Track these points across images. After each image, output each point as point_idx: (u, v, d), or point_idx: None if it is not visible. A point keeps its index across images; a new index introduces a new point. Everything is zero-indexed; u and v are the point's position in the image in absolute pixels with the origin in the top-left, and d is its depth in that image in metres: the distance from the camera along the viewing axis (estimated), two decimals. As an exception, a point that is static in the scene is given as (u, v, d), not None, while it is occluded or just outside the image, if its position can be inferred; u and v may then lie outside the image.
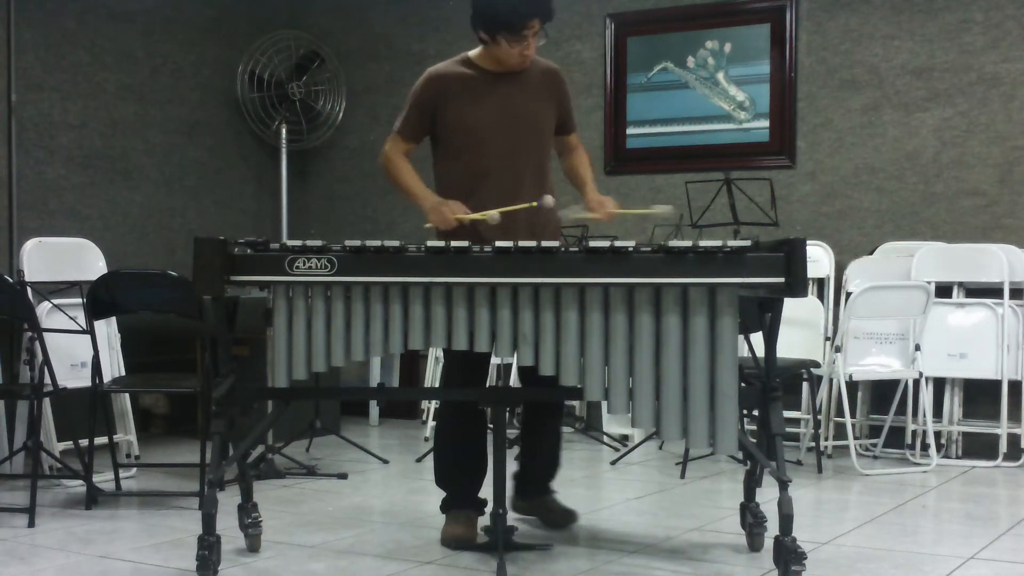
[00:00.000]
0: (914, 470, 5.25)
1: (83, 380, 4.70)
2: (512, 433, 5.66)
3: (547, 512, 4.09)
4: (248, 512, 3.73)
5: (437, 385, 6.28)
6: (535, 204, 3.70)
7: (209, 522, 3.33)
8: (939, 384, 5.59)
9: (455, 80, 3.81)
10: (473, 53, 3.86)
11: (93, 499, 4.42)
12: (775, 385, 3.44)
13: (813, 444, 5.37)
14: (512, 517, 4.01)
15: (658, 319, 3.19)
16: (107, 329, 5.13)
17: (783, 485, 3.30)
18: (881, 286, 5.17)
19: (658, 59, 6.44)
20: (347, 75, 7.07)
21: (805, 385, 5.63)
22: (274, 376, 3.33)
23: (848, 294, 5.40)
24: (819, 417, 5.48)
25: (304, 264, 3.24)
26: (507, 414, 3.56)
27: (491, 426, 3.59)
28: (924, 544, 3.91)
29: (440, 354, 6.28)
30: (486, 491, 3.74)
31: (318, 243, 3.26)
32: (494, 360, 5.65)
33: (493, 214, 3.64)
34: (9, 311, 4.44)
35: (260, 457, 5.05)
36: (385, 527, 4.12)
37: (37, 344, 4.36)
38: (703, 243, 3.16)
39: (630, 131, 6.47)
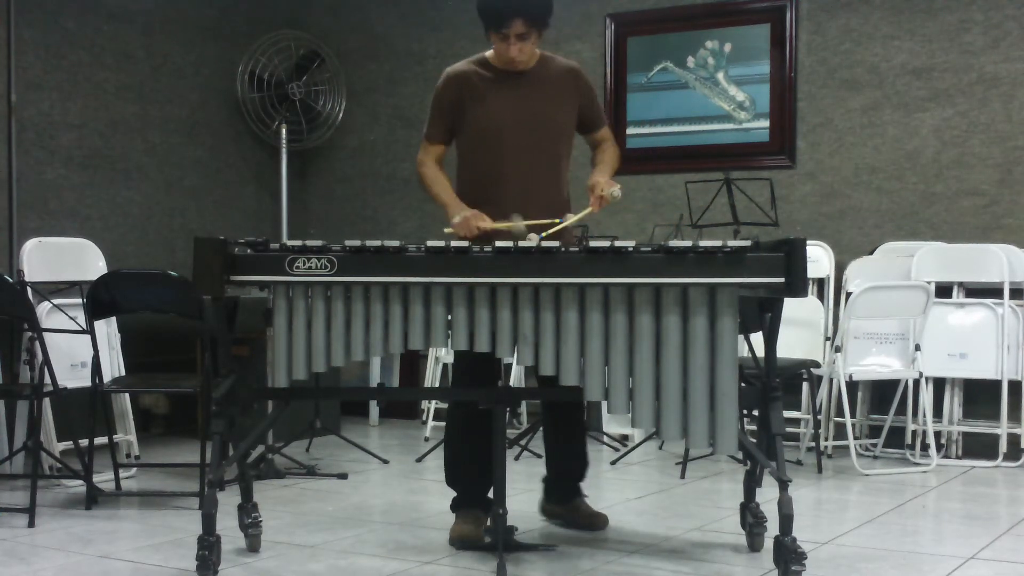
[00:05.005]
0: (914, 470, 5.24)
1: (83, 380, 4.70)
2: (512, 433, 5.72)
3: (577, 515, 4.10)
4: (248, 512, 3.73)
5: (437, 385, 6.31)
6: (558, 221, 3.69)
7: (209, 522, 3.33)
8: (939, 384, 5.59)
9: (472, 78, 3.82)
10: (489, 54, 3.88)
11: (93, 499, 4.42)
12: (775, 385, 3.44)
13: (813, 444, 5.37)
14: (539, 520, 4.03)
15: (658, 319, 3.19)
16: (107, 329, 5.13)
17: (783, 485, 3.30)
18: (881, 286, 5.17)
19: (658, 59, 6.43)
20: (347, 75, 7.07)
21: (805, 385, 5.63)
22: (274, 376, 3.33)
23: (848, 294, 5.40)
24: (819, 417, 5.48)
25: (304, 264, 3.24)
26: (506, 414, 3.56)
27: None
28: (924, 544, 3.90)
29: (440, 354, 6.30)
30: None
31: (318, 243, 3.26)
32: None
33: (520, 225, 3.62)
34: (9, 311, 4.44)
35: (260, 457, 5.05)
36: (385, 527, 4.12)
37: (37, 344, 4.36)
38: (703, 243, 3.16)
39: (630, 131, 6.47)
